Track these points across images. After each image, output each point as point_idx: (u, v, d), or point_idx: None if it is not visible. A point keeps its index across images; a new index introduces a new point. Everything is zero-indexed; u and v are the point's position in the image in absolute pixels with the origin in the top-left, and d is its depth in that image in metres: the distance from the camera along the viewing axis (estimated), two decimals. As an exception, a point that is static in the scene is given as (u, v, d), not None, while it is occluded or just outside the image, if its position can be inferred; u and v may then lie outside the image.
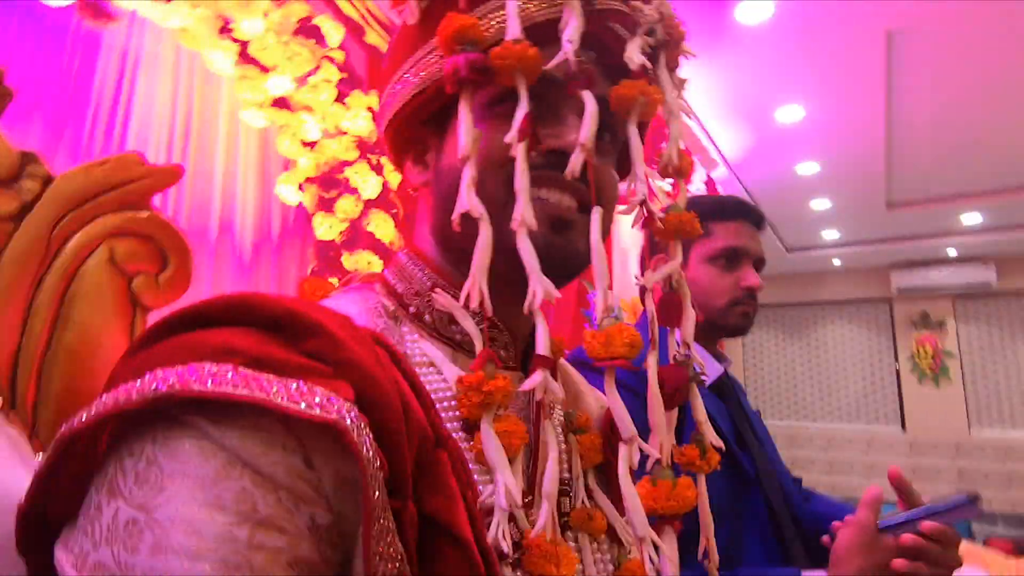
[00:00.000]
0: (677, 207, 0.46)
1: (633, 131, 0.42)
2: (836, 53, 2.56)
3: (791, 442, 6.51)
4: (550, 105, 0.43)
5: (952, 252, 5.49)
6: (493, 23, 0.42)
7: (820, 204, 4.62)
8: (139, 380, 0.30)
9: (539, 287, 0.37)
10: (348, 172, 1.60)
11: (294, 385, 0.30)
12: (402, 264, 0.49)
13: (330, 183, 1.60)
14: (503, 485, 0.34)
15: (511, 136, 0.39)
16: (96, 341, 0.47)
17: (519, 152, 0.38)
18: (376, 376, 0.34)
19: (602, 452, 0.50)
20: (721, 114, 3.25)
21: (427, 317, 0.46)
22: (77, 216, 0.47)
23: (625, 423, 0.38)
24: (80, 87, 1.29)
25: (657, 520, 0.41)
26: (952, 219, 4.71)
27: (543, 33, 0.42)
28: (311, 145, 1.62)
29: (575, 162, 0.38)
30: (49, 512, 0.32)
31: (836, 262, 6.12)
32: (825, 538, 0.80)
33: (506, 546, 0.34)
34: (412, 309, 0.46)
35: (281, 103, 1.50)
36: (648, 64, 0.44)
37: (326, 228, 1.56)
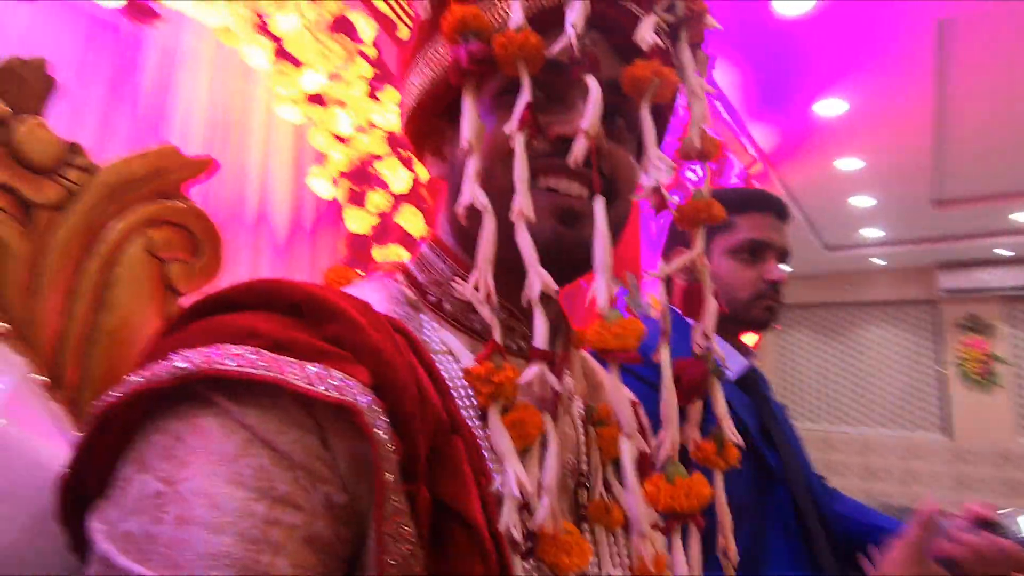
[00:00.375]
0: (700, 193, 0.46)
1: (645, 113, 0.41)
2: (883, 44, 2.46)
3: (826, 446, 6.33)
4: (559, 92, 0.43)
5: (1003, 252, 5.23)
6: (499, 11, 0.42)
7: (862, 201, 4.47)
8: (168, 360, 0.31)
9: (536, 279, 0.37)
10: (378, 166, 1.63)
11: (312, 368, 0.31)
12: (424, 254, 0.50)
13: (361, 177, 1.62)
14: (512, 473, 0.35)
15: (510, 126, 0.39)
16: (134, 325, 0.49)
17: (517, 142, 0.38)
18: (393, 362, 0.34)
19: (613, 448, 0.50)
20: (757, 108, 3.17)
21: (447, 306, 0.47)
22: (117, 205, 0.50)
23: (626, 417, 0.38)
24: (127, 83, 1.35)
25: (671, 517, 0.41)
26: (1003, 217, 4.49)
27: (553, 18, 0.41)
28: (344, 140, 1.65)
29: (578, 148, 0.38)
30: (86, 484, 0.34)
31: (878, 261, 5.91)
32: (864, 560, 0.77)
33: (517, 533, 0.34)
34: (432, 298, 0.47)
35: (315, 98, 1.53)
36: (664, 44, 0.43)
37: (357, 221, 1.59)
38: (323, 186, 1.66)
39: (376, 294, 0.46)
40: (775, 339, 6.82)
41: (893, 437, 5.97)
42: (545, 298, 0.38)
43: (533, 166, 0.40)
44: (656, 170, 0.40)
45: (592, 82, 0.39)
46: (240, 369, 0.30)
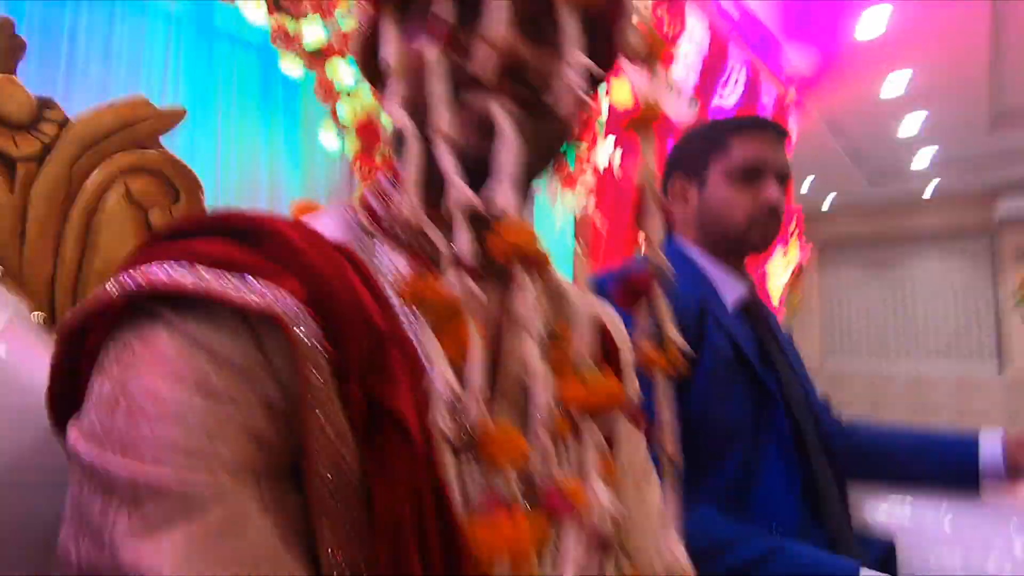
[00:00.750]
0: (645, 99, 0.45)
1: (566, 16, 0.41)
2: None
3: (872, 384, 6.20)
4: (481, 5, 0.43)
5: (1070, 172, 4.86)
6: None
7: (910, 125, 4.19)
8: (120, 280, 0.35)
9: (453, 190, 0.38)
10: (384, 120, 1.64)
11: (237, 280, 0.34)
12: (379, 182, 0.51)
13: (368, 130, 1.64)
14: (439, 372, 0.37)
15: (420, 43, 0.39)
16: (115, 261, 0.54)
17: (431, 59, 0.39)
18: (326, 276, 0.37)
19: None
20: (794, 27, 2.97)
21: (399, 232, 0.48)
22: (93, 155, 0.53)
23: (530, 319, 0.39)
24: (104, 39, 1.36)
25: (583, 411, 0.43)
26: (1070, 133, 4.15)
27: None
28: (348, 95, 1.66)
29: (479, 60, 0.38)
30: (70, 398, 0.38)
31: (928, 190, 5.58)
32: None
33: (445, 427, 0.37)
34: (385, 225, 0.49)
35: (316, 53, 1.53)
36: None
37: (366, 174, 1.62)
38: (332, 140, 1.68)
39: (333, 222, 0.48)
40: (820, 276, 6.61)
41: (945, 373, 5.78)
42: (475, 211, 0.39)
43: (457, 82, 0.40)
44: (571, 75, 0.40)
45: (501, 5, 0.38)
46: (175, 283, 0.33)
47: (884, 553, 0.94)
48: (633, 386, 0.63)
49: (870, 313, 6.34)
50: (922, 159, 4.84)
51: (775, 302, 3.75)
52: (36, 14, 1.22)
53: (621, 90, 2.68)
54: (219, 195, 1.53)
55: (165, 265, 0.34)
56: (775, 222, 0.95)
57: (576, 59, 0.40)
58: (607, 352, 0.56)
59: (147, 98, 0.57)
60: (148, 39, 1.40)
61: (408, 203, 0.39)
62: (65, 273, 0.51)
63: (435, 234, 0.40)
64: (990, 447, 0.94)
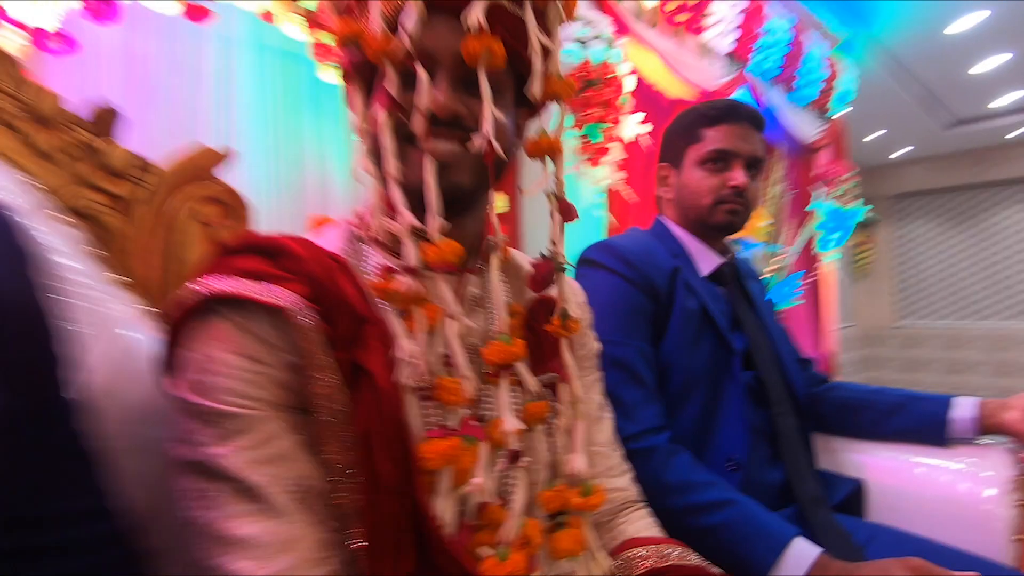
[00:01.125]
0: (545, 133, 0.60)
1: (482, 77, 0.55)
2: None
3: (952, 343, 5.88)
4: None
5: None
6: (369, 18, 0.58)
7: (991, 61, 3.86)
8: (194, 288, 0.54)
9: (402, 219, 0.55)
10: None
11: (266, 286, 0.53)
12: (369, 200, 0.69)
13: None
14: (400, 343, 0.55)
15: (375, 109, 0.55)
16: (191, 268, 0.75)
17: (380, 120, 0.55)
18: (321, 279, 0.55)
19: (521, 331, 0.67)
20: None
21: (383, 239, 0.66)
22: (174, 193, 0.74)
23: (448, 302, 0.56)
24: (191, 74, 1.61)
25: (496, 367, 0.59)
26: None
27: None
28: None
29: (415, 123, 0.54)
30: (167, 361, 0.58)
31: (1012, 133, 5.13)
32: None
33: (406, 379, 0.54)
34: (371, 233, 0.66)
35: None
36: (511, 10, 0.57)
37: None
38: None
39: (335, 233, 0.66)
40: (893, 231, 6.26)
41: (1035, 330, 5.40)
42: (449, 226, 0.56)
43: (403, 136, 0.56)
44: (488, 123, 0.55)
45: (420, 71, 0.54)
46: (225, 289, 0.52)
47: (851, 492, 1.05)
48: (587, 344, 0.79)
49: (949, 269, 5.97)
50: (1006, 97, 4.46)
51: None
52: (118, 39, 1.47)
53: (649, 64, 2.69)
54: (275, 184, 1.77)
55: (220, 277, 0.54)
56: (741, 204, 1.05)
57: (487, 109, 0.55)
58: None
59: (209, 147, 0.77)
60: (208, 56, 1.64)
61: (376, 225, 0.57)
62: (158, 275, 0.72)
63: (407, 244, 0.57)
64: (964, 406, 1.02)
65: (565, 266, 0.64)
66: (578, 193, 2.32)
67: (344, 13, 0.61)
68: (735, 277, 1.12)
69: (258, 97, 1.76)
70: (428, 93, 0.54)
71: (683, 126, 1.11)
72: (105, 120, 0.71)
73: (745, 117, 1.06)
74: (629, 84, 2.45)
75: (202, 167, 0.76)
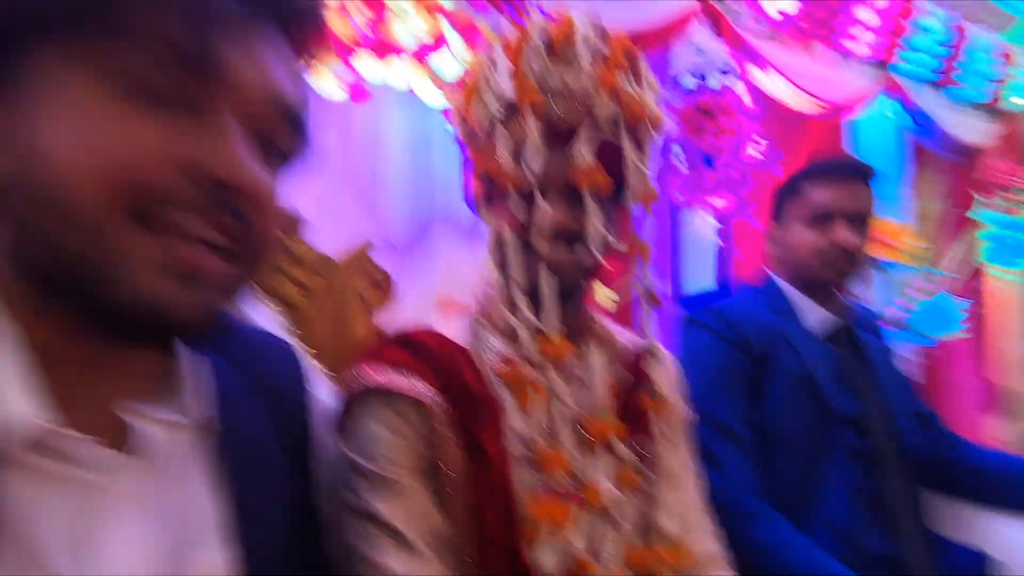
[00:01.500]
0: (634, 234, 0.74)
1: (588, 201, 0.69)
2: None
3: None
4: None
5: None
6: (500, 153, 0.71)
7: None
8: (358, 379, 0.72)
9: (522, 316, 0.70)
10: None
11: (408, 378, 0.69)
12: (488, 294, 0.83)
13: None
14: (512, 420, 0.68)
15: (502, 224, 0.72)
16: (353, 332, 0.96)
17: (505, 237, 0.71)
18: (448, 371, 0.70)
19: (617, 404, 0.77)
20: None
21: (517, 319, 0.79)
22: (344, 277, 0.95)
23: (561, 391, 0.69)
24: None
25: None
26: None
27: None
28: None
29: (535, 240, 0.70)
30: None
31: None
32: None
33: (515, 451, 0.68)
34: (495, 319, 0.80)
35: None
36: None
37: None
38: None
39: (461, 321, 0.81)
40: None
41: None
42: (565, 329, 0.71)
43: (525, 246, 0.71)
44: (596, 238, 0.69)
45: (539, 199, 0.69)
46: (378, 380, 0.70)
47: (972, 565, 1.00)
48: (679, 412, 0.87)
49: None
50: None
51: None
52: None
53: (775, 84, 2.56)
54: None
55: (377, 368, 0.71)
56: (846, 260, 1.05)
57: (593, 226, 0.68)
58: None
59: (371, 242, 0.98)
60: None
61: (498, 318, 0.72)
62: (332, 345, 0.94)
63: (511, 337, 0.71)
64: None
65: (656, 351, 0.75)
66: (698, 226, 2.32)
67: (477, 148, 0.76)
68: (849, 334, 1.11)
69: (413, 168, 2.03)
70: (546, 215, 0.69)
71: (786, 182, 1.14)
72: (292, 224, 0.94)
73: (849, 172, 1.06)
74: (751, 109, 2.39)
75: (366, 258, 0.97)
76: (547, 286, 0.69)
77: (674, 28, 2.26)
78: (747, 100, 2.38)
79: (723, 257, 2.49)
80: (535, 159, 0.69)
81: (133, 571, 0.41)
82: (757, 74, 2.56)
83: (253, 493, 0.51)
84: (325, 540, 0.65)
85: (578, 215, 0.70)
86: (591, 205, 0.69)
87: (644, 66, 0.76)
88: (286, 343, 0.71)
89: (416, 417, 0.68)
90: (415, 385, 0.68)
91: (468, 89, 0.76)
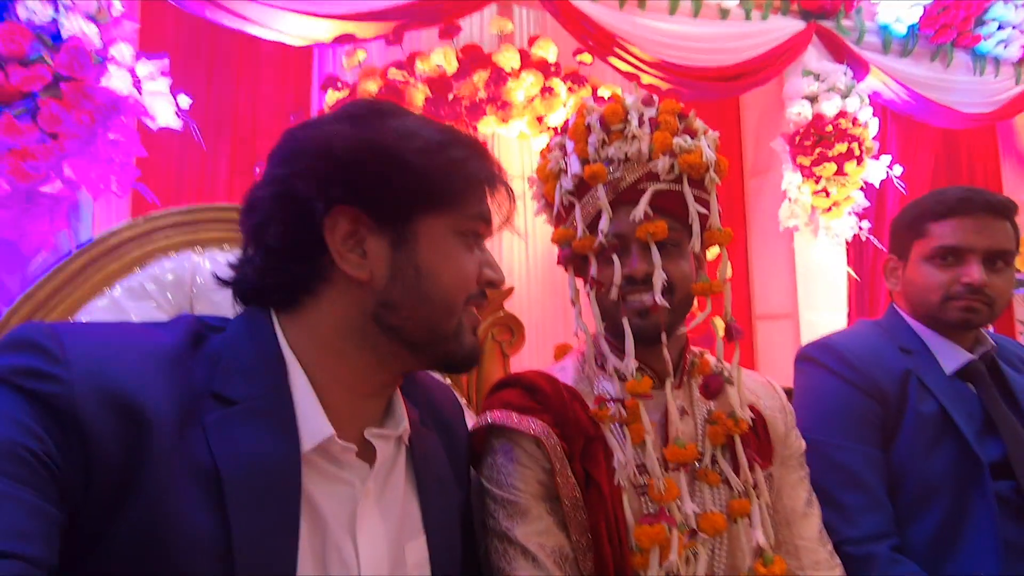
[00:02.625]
0: (706, 278, 0.83)
1: (654, 251, 0.79)
2: None
3: None
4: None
5: None
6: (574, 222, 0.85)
7: None
8: (485, 417, 0.87)
9: (611, 363, 0.81)
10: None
11: (526, 418, 0.82)
12: (596, 341, 0.94)
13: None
14: (620, 454, 0.79)
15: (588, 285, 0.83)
16: (491, 373, 1.12)
17: (592, 294, 0.83)
18: (560, 410, 0.82)
19: (723, 436, 0.84)
20: None
21: (607, 365, 0.90)
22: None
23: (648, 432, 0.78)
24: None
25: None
26: None
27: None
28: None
29: (613, 294, 0.81)
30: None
31: None
32: None
33: (623, 482, 0.78)
34: (598, 361, 0.91)
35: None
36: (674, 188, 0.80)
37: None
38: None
39: (572, 363, 0.93)
40: None
41: None
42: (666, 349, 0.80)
43: (621, 294, 0.81)
44: (658, 284, 0.78)
45: (615, 259, 0.80)
46: (501, 421, 0.83)
47: None
48: (791, 443, 0.91)
49: None
50: None
51: None
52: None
53: (901, 98, 2.35)
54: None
55: (499, 411, 0.85)
56: (980, 300, 0.99)
57: (658, 273, 0.78)
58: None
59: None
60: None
61: (590, 365, 0.84)
62: (471, 380, 1.12)
63: (624, 370, 0.83)
64: None
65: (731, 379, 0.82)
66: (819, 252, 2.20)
67: (556, 220, 0.90)
68: (992, 371, 1.04)
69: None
70: (619, 272, 0.80)
71: (908, 219, 1.10)
72: (502, 295, 1.14)
73: (980, 208, 1.00)
74: (873, 127, 2.22)
75: (496, 302, 1.14)
76: (626, 333, 0.80)
77: (785, 55, 2.20)
78: (868, 120, 2.22)
79: (849, 283, 2.32)
80: (607, 224, 0.81)
81: (378, 553, 0.60)
82: (880, 91, 2.37)
83: (436, 500, 0.69)
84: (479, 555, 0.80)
85: (649, 265, 0.80)
86: (655, 255, 0.78)
87: (697, 121, 0.85)
88: (447, 385, 0.89)
89: (535, 450, 0.80)
90: (532, 424, 0.80)
91: (542, 172, 0.91)
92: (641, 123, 0.82)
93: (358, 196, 0.58)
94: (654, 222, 0.78)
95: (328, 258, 0.59)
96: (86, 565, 0.47)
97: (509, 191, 0.70)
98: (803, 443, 0.93)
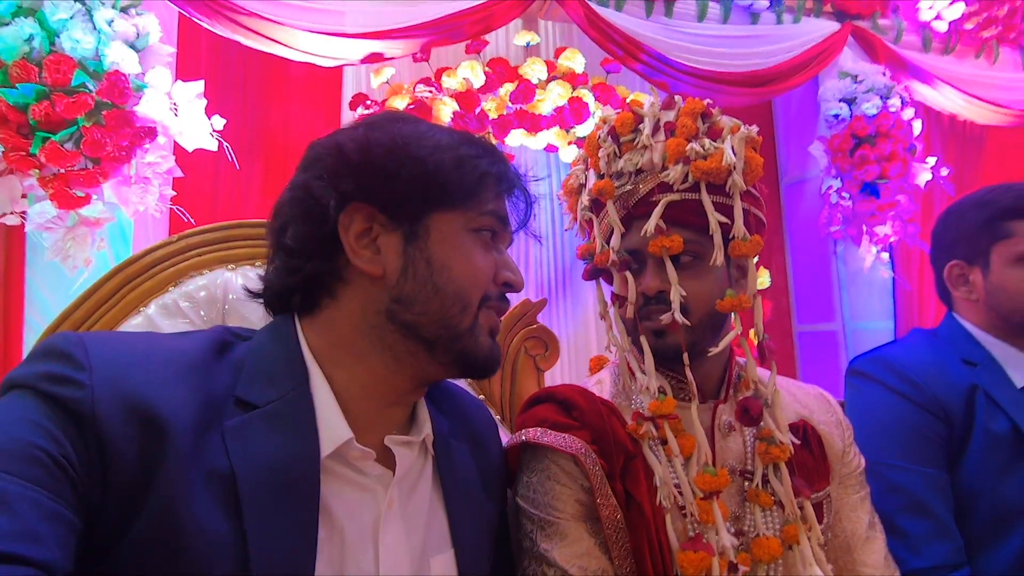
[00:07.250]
0: (732, 294, 0.76)
1: (669, 266, 0.75)
2: None
3: None
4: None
5: None
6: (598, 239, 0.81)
7: None
8: (517, 435, 0.84)
9: (638, 380, 0.76)
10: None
11: (560, 435, 0.79)
12: (625, 357, 0.90)
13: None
14: (660, 471, 0.74)
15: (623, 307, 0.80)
16: (526, 387, 1.09)
17: (612, 310, 0.81)
18: (598, 427, 0.78)
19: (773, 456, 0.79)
20: None
21: (635, 383, 0.86)
22: (511, 336, 1.10)
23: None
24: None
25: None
26: None
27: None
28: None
29: (629, 310, 0.78)
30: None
31: None
32: None
33: (667, 504, 0.74)
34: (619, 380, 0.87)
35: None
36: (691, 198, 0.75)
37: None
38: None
39: (609, 377, 0.89)
40: None
41: None
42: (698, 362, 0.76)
43: (637, 312, 0.77)
44: (676, 301, 0.74)
45: (628, 275, 0.77)
46: (537, 438, 0.80)
47: None
48: (849, 462, 0.85)
49: None
50: None
51: None
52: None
53: (945, 98, 2.24)
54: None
55: (535, 429, 0.81)
56: None
57: (674, 290, 0.74)
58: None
59: (529, 300, 1.12)
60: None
61: (624, 380, 0.80)
62: (499, 392, 1.09)
63: (654, 387, 0.78)
64: None
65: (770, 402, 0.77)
66: (864, 259, 2.10)
67: (582, 234, 0.87)
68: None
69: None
70: (633, 289, 0.76)
71: (982, 220, 1.01)
72: (535, 308, 1.12)
73: None
74: (916, 128, 2.12)
75: (530, 315, 1.11)
76: (645, 352, 0.76)
77: (820, 56, 2.14)
78: (912, 120, 2.13)
79: (895, 290, 2.21)
80: (618, 240, 0.77)
81: (400, 565, 0.58)
82: (922, 91, 2.27)
83: (464, 513, 0.67)
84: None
85: (664, 281, 0.75)
86: (671, 269, 0.74)
87: (723, 119, 0.79)
88: (480, 401, 0.87)
89: (573, 468, 0.76)
90: (568, 442, 0.76)
91: (567, 186, 0.90)
92: (656, 130, 0.78)
93: (371, 193, 0.59)
94: (668, 236, 0.74)
95: (344, 258, 0.59)
96: (103, 568, 0.46)
97: (525, 192, 0.68)
98: (862, 460, 0.87)
